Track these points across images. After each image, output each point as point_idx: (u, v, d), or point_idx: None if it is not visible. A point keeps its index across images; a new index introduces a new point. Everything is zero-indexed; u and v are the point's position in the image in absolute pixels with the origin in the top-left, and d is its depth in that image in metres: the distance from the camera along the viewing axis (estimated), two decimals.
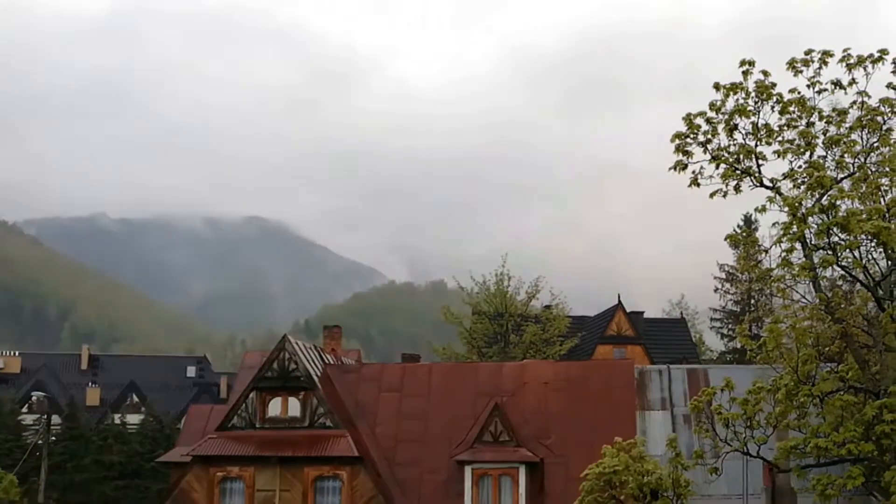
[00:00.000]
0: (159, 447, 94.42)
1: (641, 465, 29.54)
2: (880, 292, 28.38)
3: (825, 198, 28.13)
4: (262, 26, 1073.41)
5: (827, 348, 29.63)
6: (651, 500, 29.49)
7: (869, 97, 30.63)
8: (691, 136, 31.97)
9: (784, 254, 28.91)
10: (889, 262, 28.36)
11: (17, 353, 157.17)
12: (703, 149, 31.87)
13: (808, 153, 30.55)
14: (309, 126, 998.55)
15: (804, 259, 28.70)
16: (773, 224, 29.33)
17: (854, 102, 30.89)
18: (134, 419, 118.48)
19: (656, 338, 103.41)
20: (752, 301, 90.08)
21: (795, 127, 31.01)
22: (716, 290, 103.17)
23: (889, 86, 30.52)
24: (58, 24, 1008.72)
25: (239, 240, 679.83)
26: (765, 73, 31.40)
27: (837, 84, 31.04)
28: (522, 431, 45.96)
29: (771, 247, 30.19)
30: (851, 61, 30.57)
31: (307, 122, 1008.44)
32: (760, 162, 31.42)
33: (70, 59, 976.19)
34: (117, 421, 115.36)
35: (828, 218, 27.59)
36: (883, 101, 30.40)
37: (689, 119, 31.99)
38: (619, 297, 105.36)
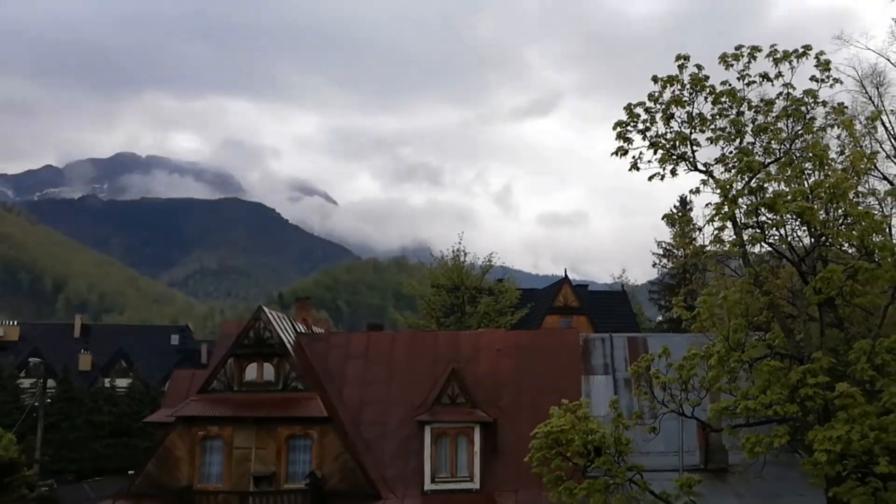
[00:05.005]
0: (145, 408, 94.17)
1: (586, 424, 29.41)
2: (804, 267, 28.31)
3: (754, 181, 28.09)
4: None
5: (755, 318, 29.59)
6: (595, 456, 29.38)
7: (794, 89, 30.63)
8: (631, 124, 31.89)
9: (716, 232, 28.89)
10: (812, 240, 28.32)
11: (15, 323, 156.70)
12: (642, 136, 31.79)
13: (738, 140, 30.53)
14: None
15: (735, 237, 28.67)
16: (707, 205, 29.32)
17: (780, 94, 30.88)
18: (122, 383, 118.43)
19: (600, 308, 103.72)
20: (687, 275, 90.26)
21: (727, 116, 30.97)
22: (654, 265, 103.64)
23: (812, 78, 30.47)
24: None
25: (218, 220, 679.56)
26: (698, 67, 31.33)
27: (765, 77, 31.00)
28: (477, 394, 45.89)
29: (704, 225, 30.20)
30: (778, 56, 30.53)
31: None
32: (695, 148, 31.37)
33: None
34: (107, 385, 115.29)
35: (756, 199, 27.53)
36: (806, 92, 30.34)
37: (629, 108, 31.92)
38: (565, 271, 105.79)
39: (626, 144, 31.83)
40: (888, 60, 54.83)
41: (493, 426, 44.98)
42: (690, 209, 69.60)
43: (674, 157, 31.28)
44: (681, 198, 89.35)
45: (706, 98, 31.24)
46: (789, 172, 28.00)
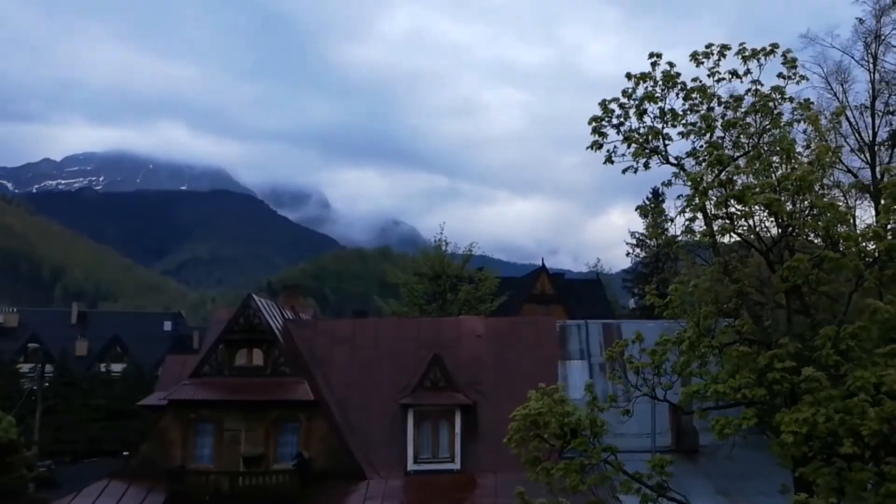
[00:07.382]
0: (140, 392, 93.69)
1: (562, 407, 29.24)
2: (772, 256, 28.24)
3: (723, 173, 27.97)
4: None
5: (725, 305, 29.48)
6: (571, 438, 29.26)
7: (762, 85, 30.47)
8: (606, 119, 31.76)
9: (687, 223, 28.79)
10: (779, 230, 28.25)
11: (14, 310, 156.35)
12: (616, 130, 31.65)
13: (708, 134, 30.37)
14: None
15: (705, 227, 28.58)
16: (678, 196, 29.19)
17: (749, 90, 30.74)
18: (117, 368, 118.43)
19: (575, 296, 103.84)
20: (660, 264, 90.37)
21: (697, 111, 30.82)
22: (627, 254, 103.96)
23: (779, 75, 30.40)
24: None
25: (210, 210, 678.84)
26: (670, 65, 31.21)
27: (734, 74, 30.84)
28: (458, 378, 45.91)
29: (676, 216, 30.05)
30: (747, 54, 30.43)
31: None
32: (667, 142, 31.19)
33: None
34: (103, 369, 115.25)
35: (726, 191, 27.41)
36: (774, 88, 30.23)
37: (604, 104, 31.78)
38: (542, 260, 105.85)
39: (601, 139, 31.73)
40: (852, 58, 54.99)
41: (473, 409, 45.00)
42: (663, 201, 69.91)
43: (647, 150, 31.15)
44: (654, 190, 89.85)
45: (678, 94, 31.13)
46: (757, 165, 27.93)
